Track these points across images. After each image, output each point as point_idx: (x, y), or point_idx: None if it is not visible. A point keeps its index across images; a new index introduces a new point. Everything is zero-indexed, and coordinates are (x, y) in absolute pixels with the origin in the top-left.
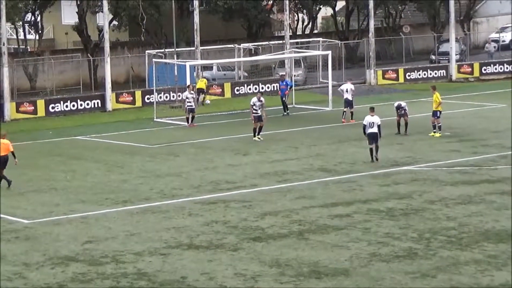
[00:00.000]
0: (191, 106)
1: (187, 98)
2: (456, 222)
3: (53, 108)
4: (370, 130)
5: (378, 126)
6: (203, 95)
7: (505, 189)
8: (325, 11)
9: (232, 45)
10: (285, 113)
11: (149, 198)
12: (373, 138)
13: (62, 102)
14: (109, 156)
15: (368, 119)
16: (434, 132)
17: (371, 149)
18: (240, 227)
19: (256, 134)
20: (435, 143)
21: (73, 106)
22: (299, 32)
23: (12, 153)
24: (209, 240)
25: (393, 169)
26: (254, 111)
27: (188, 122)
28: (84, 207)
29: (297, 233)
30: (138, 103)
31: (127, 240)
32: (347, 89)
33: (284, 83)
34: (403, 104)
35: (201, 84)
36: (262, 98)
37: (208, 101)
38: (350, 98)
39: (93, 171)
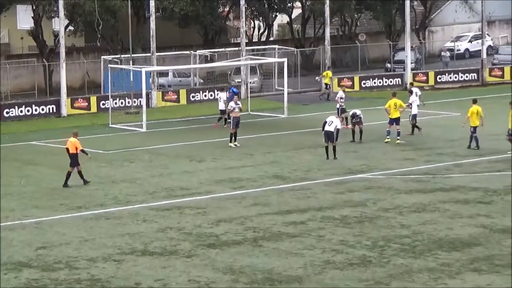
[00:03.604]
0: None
1: (341, 98)
2: (410, 230)
3: (7, 113)
4: (327, 128)
5: (337, 130)
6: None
7: (459, 198)
8: (281, 19)
9: (188, 52)
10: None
11: (104, 204)
12: (328, 136)
13: (17, 107)
14: (64, 162)
15: (330, 118)
16: (398, 139)
17: (326, 147)
18: (195, 234)
19: (234, 140)
20: (389, 151)
21: (28, 111)
22: (255, 39)
23: (82, 150)
24: (163, 247)
25: (347, 177)
26: (235, 115)
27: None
28: (38, 212)
29: (251, 240)
30: (94, 108)
31: (81, 246)
32: (415, 93)
33: (231, 90)
34: (358, 112)
35: (327, 79)
36: (238, 102)
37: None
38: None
39: (47, 177)
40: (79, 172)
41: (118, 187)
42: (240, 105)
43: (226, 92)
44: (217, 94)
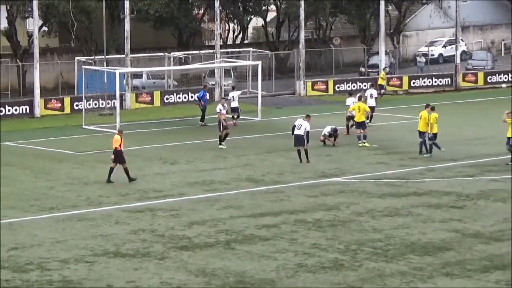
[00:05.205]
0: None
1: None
2: (382, 234)
3: None
4: (296, 132)
5: (307, 133)
6: (383, 90)
7: (432, 202)
8: (256, 22)
9: (162, 54)
10: (202, 123)
11: (76, 206)
12: (298, 140)
13: None
14: (37, 163)
15: (298, 121)
16: (364, 143)
17: (298, 151)
18: (167, 236)
19: (222, 141)
20: (363, 155)
21: (1, 111)
22: (229, 41)
23: (115, 148)
24: (136, 249)
25: (321, 180)
26: (222, 118)
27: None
28: (10, 213)
29: (224, 242)
30: (67, 109)
31: (53, 247)
32: (371, 94)
33: (206, 93)
34: (338, 128)
35: (381, 80)
36: (225, 105)
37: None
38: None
39: (20, 178)
40: (125, 170)
41: (91, 188)
42: (227, 108)
43: (238, 91)
44: (229, 93)
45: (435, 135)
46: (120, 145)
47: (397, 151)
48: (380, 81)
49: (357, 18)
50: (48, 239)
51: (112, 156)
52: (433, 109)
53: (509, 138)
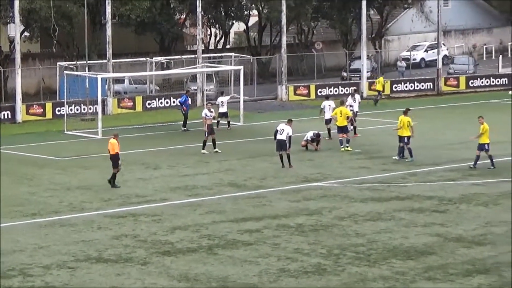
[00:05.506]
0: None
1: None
2: (365, 238)
3: None
4: (279, 137)
5: (289, 137)
6: (380, 96)
7: (414, 206)
8: (238, 26)
9: (144, 59)
10: (184, 128)
11: (58, 211)
12: (280, 145)
13: None
14: (18, 168)
15: (281, 126)
16: (347, 147)
17: (280, 156)
18: (150, 241)
19: (214, 147)
20: (345, 159)
21: None
22: (211, 46)
23: (116, 153)
24: (118, 254)
25: (303, 185)
26: (209, 123)
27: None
28: None
29: (207, 247)
30: (49, 115)
31: (35, 253)
32: (354, 99)
33: (188, 98)
34: (321, 132)
35: (379, 86)
36: (212, 109)
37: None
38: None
39: (1, 183)
40: (114, 174)
41: (73, 194)
42: (214, 114)
43: (226, 96)
44: (218, 98)
45: (408, 138)
46: (114, 150)
47: (379, 155)
48: (378, 87)
49: (339, 23)
50: (30, 244)
51: (120, 162)
52: (405, 112)
53: (481, 144)
